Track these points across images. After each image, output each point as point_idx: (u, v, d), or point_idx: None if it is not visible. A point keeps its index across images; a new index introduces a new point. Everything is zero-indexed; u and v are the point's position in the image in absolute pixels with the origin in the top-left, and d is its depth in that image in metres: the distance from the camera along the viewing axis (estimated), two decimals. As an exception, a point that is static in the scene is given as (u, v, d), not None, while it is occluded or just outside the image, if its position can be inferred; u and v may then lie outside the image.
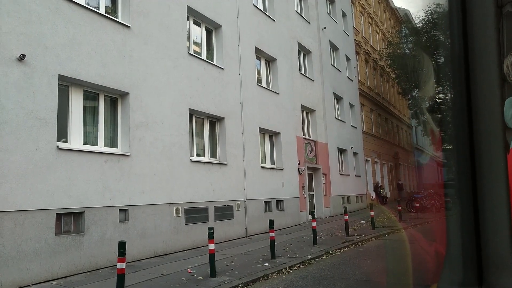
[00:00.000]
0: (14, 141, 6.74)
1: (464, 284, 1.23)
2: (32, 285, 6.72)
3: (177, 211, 10.09)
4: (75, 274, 7.44)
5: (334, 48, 23.40)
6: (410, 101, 32.57)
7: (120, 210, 8.57)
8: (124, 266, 5.52)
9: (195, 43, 12.23)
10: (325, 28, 21.72)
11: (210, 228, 7.37)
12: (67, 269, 7.35)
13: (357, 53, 28.29)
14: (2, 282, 6.36)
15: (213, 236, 7.31)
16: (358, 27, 29.26)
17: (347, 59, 25.44)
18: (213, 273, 7.06)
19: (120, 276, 5.44)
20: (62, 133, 7.90)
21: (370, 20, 32.85)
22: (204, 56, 12.27)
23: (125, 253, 5.59)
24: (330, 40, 22.50)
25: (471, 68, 1.15)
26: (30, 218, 6.86)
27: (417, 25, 27.78)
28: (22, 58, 6.96)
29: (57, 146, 7.45)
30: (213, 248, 7.19)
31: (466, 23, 1.15)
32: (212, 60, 12.61)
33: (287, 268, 7.87)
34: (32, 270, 6.79)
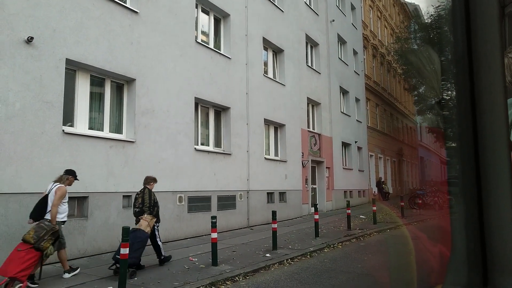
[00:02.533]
0: (20, 124, 6.75)
1: (468, 285, 1.21)
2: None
3: (180, 199, 10.12)
4: (78, 258, 7.49)
5: (342, 41, 23.22)
6: (416, 98, 32.36)
7: (123, 196, 8.60)
8: (127, 252, 5.54)
9: (203, 32, 12.15)
10: (333, 20, 21.53)
11: (213, 217, 7.40)
12: (70, 252, 7.38)
13: (365, 47, 28.07)
14: (5, 263, 6.41)
15: (216, 225, 7.33)
16: (366, 20, 28.99)
17: (355, 53, 25.25)
18: (215, 262, 7.10)
19: (123, 262, 5.46)
20: (68, 117, 7.91)
21: (379, 14, 32.54)
22: (211, 45, 12.19)
23: (128, 239, 5.60)
24: (338, 33, 22.31)
25: (475, 66, 1.15)
26: (35, 201, 6.82)
27: (426, 21, 27.49)
28: (29, 40, 6.94)
29: (63, 130, 7.46)
30: (216, 237, 7.21)
31: (470, 22, 1.15)
32: (219, 49, 12.54)
33: (289, 260, 7.89)
34: (35, 253, 6.83)
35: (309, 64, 18.99)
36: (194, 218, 10.51)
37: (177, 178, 10.09)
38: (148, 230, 6.72)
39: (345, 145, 22.65)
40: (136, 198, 7.14)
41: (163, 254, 7.18)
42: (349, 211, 12.48)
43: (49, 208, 5.95)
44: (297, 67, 17.02)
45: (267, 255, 8.18)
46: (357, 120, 24.65)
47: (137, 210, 6.98)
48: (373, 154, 27.93)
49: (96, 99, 8.69)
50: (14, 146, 6.64)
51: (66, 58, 7.62)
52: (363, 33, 27.40)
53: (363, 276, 6.78)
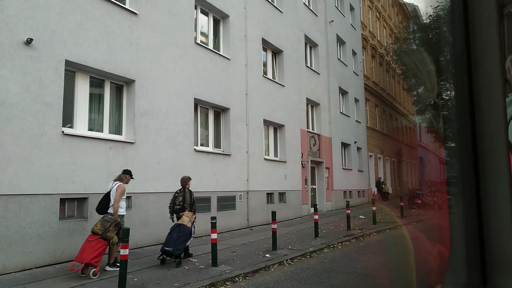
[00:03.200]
0: (20, 125, 6.75)
1: (467, 285, 1.22)
2: (35, 268, 6.77)
3: (179, 200, 10.11)
4: (77, 259, 7.48)
5: (341, 41, 23.24)
6: (415, 98, 32.39)
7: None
8: (127, 253, 5.55)
9: (202, 33, 12.17)
10: (332, 21, 21.56)
11: (213, 218, 7.41)
12: (70, 253, 7.39)
13: (364, 47, 28.10)
14: (5, 265, 6.41)
15: (216, 226, 7.34)
16: (365, 21, 29.03)
17: (354, 53, 25.28)
18: (214, 263, 7.10)
19: (123, 263, 5.46)
20: (68, 119, 7.91)
21: (378, 15, 32.58)
22: (210, 46, 12.21)
23: (128, 240, 5.62)
24: (337, 34, 22.34)
25: (473, 67, 1.16)
26: (34, 202, 6.90)
27: (425, 21, 27.51)
28: (29, 42, 6.94)
29: (62, 132, 7.46)
30: (216, 237, 7.22)
31: (468, 23, 1.16)
32: (218, 50, 12.55)
33: (288, 260, 7.90)
34: (35, 254, 6.84)
35: (308, 65, 19.01)
36: (194, 219, 10.50)
37: (177, 179, 10.01)
38: (189, 224, 7.58)
39: (345, 145, 22.67)
40: (176, 197, 8.05)
41: (189, 249, 8.01)
42: (349, 211, 12.49)
43: (111, 203, 6.84)
44: (296, 67, 17.04)
45: (267, 255, 8.18)
46: (356, 120, 24.67)
47: (178, 207, 7.88)
48: (372, 154, 27.95)
49: (95, 100, 8.70)
50: (13, 148, 6.64)
51: (66, 60, 7.63)
52: (362, 33, 27.43)
53: (363, 276, 6.79)
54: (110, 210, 6.80)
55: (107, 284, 5.90)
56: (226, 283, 6.21)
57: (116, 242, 6.56)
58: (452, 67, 1.26)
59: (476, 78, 1.18)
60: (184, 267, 7.06)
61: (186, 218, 7.57)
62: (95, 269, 6.21)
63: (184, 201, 7.87)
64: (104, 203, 6.89)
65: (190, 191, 8.09)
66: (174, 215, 7.95)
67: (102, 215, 6.75)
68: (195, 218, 7.89)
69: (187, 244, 7.58)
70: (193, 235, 7.80)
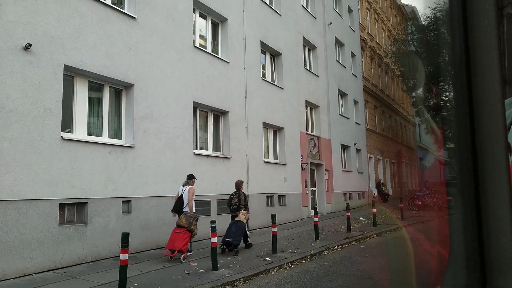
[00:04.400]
0: (19, 130, 6.75)
1: (467, 286, 1.21)
2: (35, 273, 6.75)
3: (179, 203, 10.09)
4: (77, 264, 7.47)
5: (339, 44, 23.28)
6: (414, 99, 32.46)
7: (123, 201, 8.59)
8: (127, 257, 5.54)
9: (201, 36, 12.18)
10: (331, 23, 21.60)
11: (213, 222, 7.40)
12: (70, 259, 7.39)
13: (363, 49, 28.15)
14: (5, 270, 6.40)
15: (216, 230, 7.32)
16: (364, 23, 29.08)
17: (352, 55, 25.32)
18: (215, 266, 7.08)
19: (123, 267, 5.45)
20: (67, 124, 7.91)
21: (376, 17, 32.65)
22: (209, 49, 12.22)
23: (128, 244, 5.60)
24: (335, 36, 22.38)
25: (472, 68, 1.16)
26: (34, 208, 6.89)
27: (423, 23, 27.57)
28: (28, 47, 6.95)
29: (62, 136, 7.46)
30: (216, 241, 7.20)
31: (467, 24, 1.16)
32: (217, 53, 12.57)
33: (289, 263, 7.88)
34: (35, 259, 6.82)
35: (307, 67, 19.03)
36: (194, 222, 10.48)
37: (177, 182, 10.05)
38: (245, 221, 9.02)
39: (344, 147, 22.67)
40: (232, 198, 9.62)
41: (248, 241, 9.41)
42: (349, 214, 12.47)
43: (185, 203, 8.43)
44: (295, 70, 17.06)
45: (267, 258, 8.16)
46: (355, 122, 24.68)
47: (234, 207, 9.44)
48: (372, 156, 27.95)
49: (94, 104, 8.70)
50: (13, 153, 6.63)
51: (64, 65, 7.63)
52: (360, 35, 27.48)
53: (364, 279, 6.77)
54: (185, 209, 8.35)
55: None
56: (227, 287, 6.19)
57: (196, 233, 8.23)
58: (451, 69, 1.25)
59: (475, 80, 1.18)
60: (184, 271, 7.04)
61: (242, 216, 9.07)
62: (183, 254, 7.84)
63: (239, 202, 9.45)
64: (179, 204, 8.48)
65: (244, 193, 9.73)
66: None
67: (181, 213, 8.31)
68: (249, 216, 9.52)
69: (242, 237, 9.00)
70: (247, 229, 9.25)
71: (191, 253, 8.57)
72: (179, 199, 8.53)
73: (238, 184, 9.80)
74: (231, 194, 9.70)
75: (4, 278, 6.36)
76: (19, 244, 6.63)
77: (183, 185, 8.76)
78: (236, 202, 9.47)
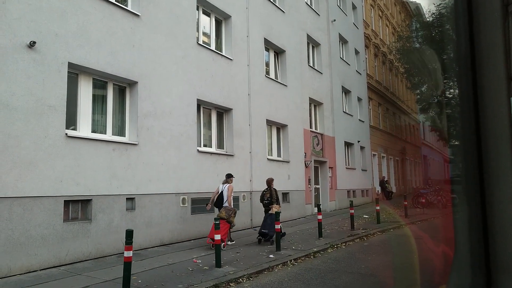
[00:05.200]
0: (24, 128, 6.78)
1: (472, 286, 1.21)
2: (40, 270, 6.80)
3: (183, 201, 10.13)
4: (82, 261, 7.51)
5: (343, 41, 23.19)
6: (418, 96, 32.26)
7: (127, 198, 8.62)
8: (131, 254, 5.56)
9: (204, 34, 12.17)
10: (334, 20, 21.51)
11: (216, 219, 7.40)
12: (75, 255, 7.43)
13: (367, 46, 28.03)
14: (10, 267, 6.44)
15: (219, 227, 7.33)
16: (368, 20, 28.95)
17: (356, 52, 25.22)
18: (218, 264, 7.10)
19: (127, 264, 5.47)
20: (71, 121, 7.93)
21: (380, 13, 32.48)
22: (213, 47, 12.21)
23: (132, 242, 5.62)
24: (339, 33, 22.29)
25: (478, 65, 1.15)
26: (38, 205, 6.93)
27: (428, 19, 27.36)
28: (32, 45, 6.97)
29: (66, 134, 7.49)
30: (219, 238, 7.22)
31: (472, 21, 1.15)
32: (221, 50, 12.56)
33: (292, 261, 7.89)
34: (40, 256, 6.87)
35: (311, 64, 18.98)
36: (198, 219, 10.52)
37: (180, 179, 10.11)
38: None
39: (348, 144, 22.63)
40: (264, 194, 10.64)
41: (282, 231, 9.83)
42: (353, 211, 12.46)
43: (225, 199, 9.47)
44: (298, 67, 17.02)
45: (270, 256, 8.17)
46: (359, 119, 24.61)
47: (267, 202, 10.45)
48: (376, 153, 27.87)
49: (98, 102, 8.72)
50: (17, 150, 6.67)
51: (69, 62, 7.65)
52: (364, 32, 27.36)
53: (367, 277, 6.77)
54: (225, 204, 9.41)
55: (112, 285, 5.91)
56: (230, 284, 6.20)
57: (234, 225, 9.34)
58: (456, 65, 1.25)
59: (481, 77, 1.16)
60: (188, 268, 7.06)
61: (274, 209, 9.85)
62: (223, 243, 8.70)
63: (271, 197, 10.44)
64: (219, 199, 9.50)
65: (275, 189, 10.71)
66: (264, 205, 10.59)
67: (221, 207, 9.36)
68: (280, 208, 10.38)
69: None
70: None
71: (234, 242, 9.71)
72: (220, 196, 9.58)
73: (269, 181, 10.80)
74: (263, 191, 10.78)
75: (10, 274, 6.42)
76: (24, 241, 6.68)
77: (223, 183, 9.81)
78: (268, 197, 10.49)
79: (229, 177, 10.00)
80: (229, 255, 8.25)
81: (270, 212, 10.00)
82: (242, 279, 6.48)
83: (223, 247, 8.64)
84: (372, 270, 7.26)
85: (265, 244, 9.54)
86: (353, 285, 6.22)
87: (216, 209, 9.82)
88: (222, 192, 9.61)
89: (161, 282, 6.09)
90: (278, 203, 10.54)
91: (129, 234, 5.61)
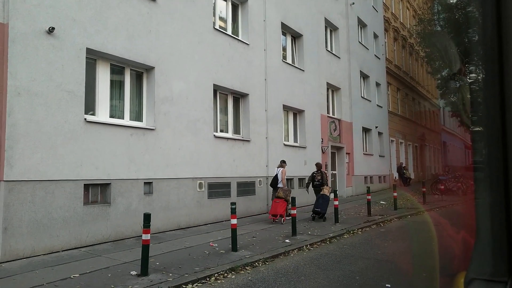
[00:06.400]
0: (44, 113, 6.92)
1: (493, 275, 1.18)
2: (62, 251, 7.01)
3: (200, 185, 10.24)
4: (102, 243, 7.71)
5: (362, 24, 22.71)
6: (439, 81, 31.50)
7: (145, 182, 8.76)
8: (149, 237, 5.68)
9: (221, 18, 12.07)
10: (353, 3, 21.03)
11: (233, 203, 7.46)
12: (95, 237, 7.63)
13: (386, 30, 27.40)
14: (34, 247, 6.67)
15: (235, 211, 7.39)
16: (388, 2, 28.22)
17: (375, 36, 24.69)
18: (234, 248, 7.18)
19: (145, 247, 5.59)
20: (90, 106, 8.05)
21: (401, -5, 31.59)
22: (229, 31, 12.13)
23: (150, 225, 5.73)
24: (358, 16, 21.81)
25: (505, 48, 1.10)
26: (60, 188, 7.11)
27: (451, 1, 26.49)
28: (51, 31, 7.05)
29: (85, 119, 7.61)
30: (235, 223, 7.28)
31: (500, 1, 1.10)
32: (237, 35, 12.46)
33: (308, 246, 7.92)
34: (62, 237, 7.08)
35: (329, 49, 18.69)
36: (214, 204, 10.63)
37: (197, 164, 10.20)
38: (328, 194, 11.35)
39: (366, 130, 22.37)
40: (314, 176, 11.93)
41: (323, 211, 11.26)
42: (369, 197, 12.38)
43: (279, 180, 11.20)
44: (316, 52, 16.78)
45: (286, 241, 8.22)
46: (377, 105, 24.24)
47: (317, 183, 11.74)
48: (394, 139, 27.50)
49: (116, 87, 8.81)
50: (39, 135, 6.82)
51: (87, 48, 7.72)
52: (384, 15, 26.71)
53: (383, 263, 6.75)
54: (279, 185, 11.09)
55: (131, 267, 6.05)
56: (246, 267, 6.28)
57: (289, 203, 10.17)
58: (481, 48, 1.20)
59: (508, 59, 1.11)
60: (205, 251, 7.17)
61: (326, 190, 11.33)
62: (283, 217, 10.70)
63: (322, 179, 11.73)
64: (274, 181, 11.34)
65: (325, 172, 12.20)
66: (308, 188, 12.17)
67: (276, 188, 11.15)
68: (330, 189, 11.77)
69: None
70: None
71: (290, 217, 10.54)
72: (275, 178, 11.37)
73: (320, 165, 12.27)
74: (313, 173, 12.03)
75: (34, 254, 6.64)
76: (47, 223, 6.88)
77: (278, 167, 11.56)
78: (319, 179, 11.74)
79: (283, 162, 11.65)
80: (245, 239, 8.33)
81: (321, 193, 11.28)
82: (258, 263, 6.55)
83: (283, 221, 10.58)
84: (388, 256, 7.24)
85: (283, 228, 9.59)
86: (369, 270, 6.22)
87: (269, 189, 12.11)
88: (276, 175, 11.33)
89: (178, 265, 6.20)
90: (327, 184, 11.79)
91: (147, 217, 5.71)
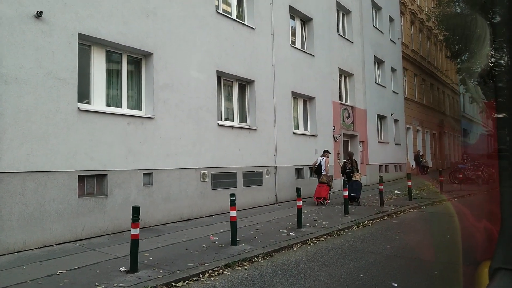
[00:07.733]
0: (34, 101, 6.62)
1: None
2: (56, 245, 6.78)
3: (203, 175, 9.89)
4: (99, 236, 7.46)
5: (376, 7, 21.83)
6: (459, 66, 30.26)
7: (144, 173, 8.45)
8: (138, 232, 5.37)
9: (224, 1, 11.57)
10: (367, -15, 20.17)
11: (232, 195, 7.05)
12: (91, 230, 7.37)
13: (402, 13, 26.36)
14: (26, 241, 6.43)
15: (235, 203, 6.99)
16: (404, -16, 27.09)
17: (391, 19, 23.75)
18: (234, 241, 6.81)
19: (134, 242, 5.29)
20: (84, 94, 7.73)
21: (418, -23, 30.34)
22: (234, 15, 11.63)
23: (139, 218, 5.41)
24: (372, -1, 20.94)
25: None
26: (52, 179, 6.84)
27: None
28: (39, 15, 6.71)
29: (78, 108, 7.29)
30: (235, 215, 6.89)
31: None
32: (242, 19, 11.96)
33: (313, 239, 7.50)
34: (55, 231, 6.83)
35: (341, 33, 17.99)
36: (219, 194, 10.28)
37: (200, 154, 9.84)
38: (360, 179, 12.38)
39: (381, 117, 21.65)
40: (346, 164, 12.82)
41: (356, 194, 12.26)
42: (382, 187, 11.85)
43: (323, 168, 12.32)
44: (327, 36, 16.12)
45: (291, 233, 7.81)
46: (393, 91, 23.42)
47: (349, 170, 12.53)
48: (410, 126, 26.64)
49: (113, 75, 8.47)
50: (28, 124, 6.53)
51: (79, 33, 7.38)
52: (400, -2, 25.65)
53: (392, 258, 6.27)
54: (323, 172, 12.25)
55: (122, 262, 5.75)
56: (244, 263, 5.90)
57: (332, 187, 12.45)
58: (507, 30, 1.22)
59: None
60: (203, 245, 6.82)
61: (357, 176, 12.30)
62: (327, 200, 12.05)
63: (352, 166, 12.54)
64: (318, 168, 12.39)
65: (355, 160, 13.01)
66: (345, 175, 12.69)
67: (320, 175, 12.29)
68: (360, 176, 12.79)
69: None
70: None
71: (329, 200, 12.37)
72: (319, 166, 12.43)
73: (350, 154, 13.52)
74: (345, 161, 13.05)
75: (25, 248, 6.41)
76: (39, 216, 6.64)
77: (321, 156, 12.67)
78: (350, 167, 12.55)
79: (325, 152, 12.81)
80: (247, 232, 7.97)
81: (353, 179, 12.11)
82: (257, 258, 6.16)
83: (326, 204, 11.97)
84: (398, 250, 6.74)
85: (287, 221, 9.19)
86: (375, 267, 5.75)
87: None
88: (320, 163, 12.40)
89: (172, 260, 5.87)
90: (358, 171, 12.60)
91: (136, 210, 5.39)
